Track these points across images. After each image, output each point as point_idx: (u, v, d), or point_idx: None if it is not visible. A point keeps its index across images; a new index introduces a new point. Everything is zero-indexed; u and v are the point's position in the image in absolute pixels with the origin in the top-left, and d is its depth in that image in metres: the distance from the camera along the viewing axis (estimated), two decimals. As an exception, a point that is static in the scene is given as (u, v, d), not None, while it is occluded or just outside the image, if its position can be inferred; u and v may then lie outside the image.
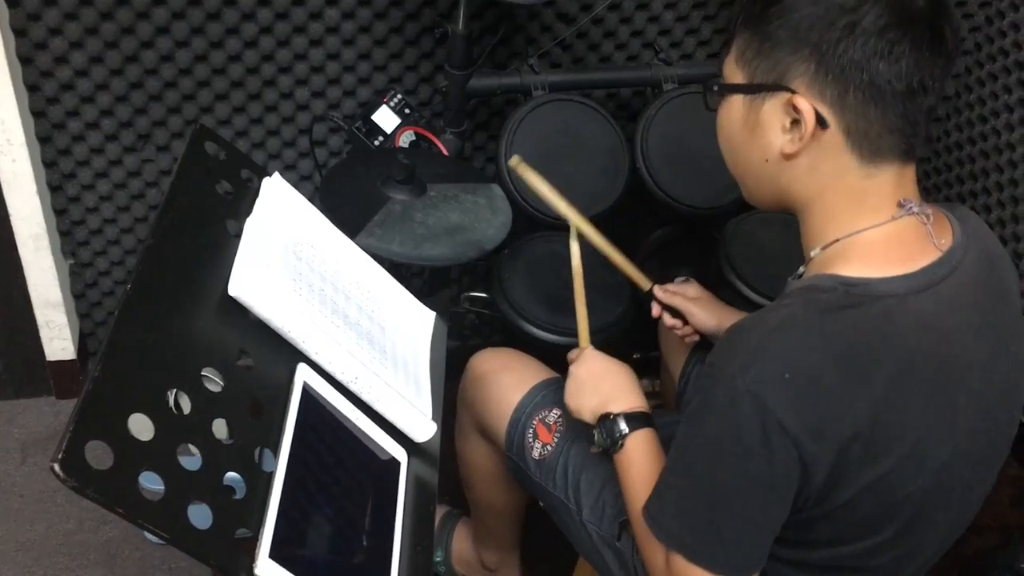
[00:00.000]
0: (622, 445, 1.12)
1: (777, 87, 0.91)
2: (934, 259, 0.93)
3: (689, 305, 1.36)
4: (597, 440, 1.16)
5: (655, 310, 1.40)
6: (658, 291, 1.39)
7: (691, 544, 0.94)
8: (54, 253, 1.76)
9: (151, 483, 0.78)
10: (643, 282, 1.41)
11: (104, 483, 0.74)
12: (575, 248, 1.37)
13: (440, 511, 1.79)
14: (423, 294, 1.28)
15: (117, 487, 0.75)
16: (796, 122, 0.91)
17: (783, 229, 1.71)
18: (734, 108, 0.97)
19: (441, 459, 1.51)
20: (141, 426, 0.80)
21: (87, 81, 1.62)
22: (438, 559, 1.75)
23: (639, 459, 1.11)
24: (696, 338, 1.42)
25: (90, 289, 1.89)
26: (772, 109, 0.92)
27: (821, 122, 0.89)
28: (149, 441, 0.80)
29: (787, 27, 0.89)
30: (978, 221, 1.03)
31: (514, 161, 1.37)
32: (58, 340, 1.88)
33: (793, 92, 0.90)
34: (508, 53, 1.79)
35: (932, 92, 0.88)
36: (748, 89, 0.94)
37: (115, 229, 1.82)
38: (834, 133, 0.90)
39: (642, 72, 1.78)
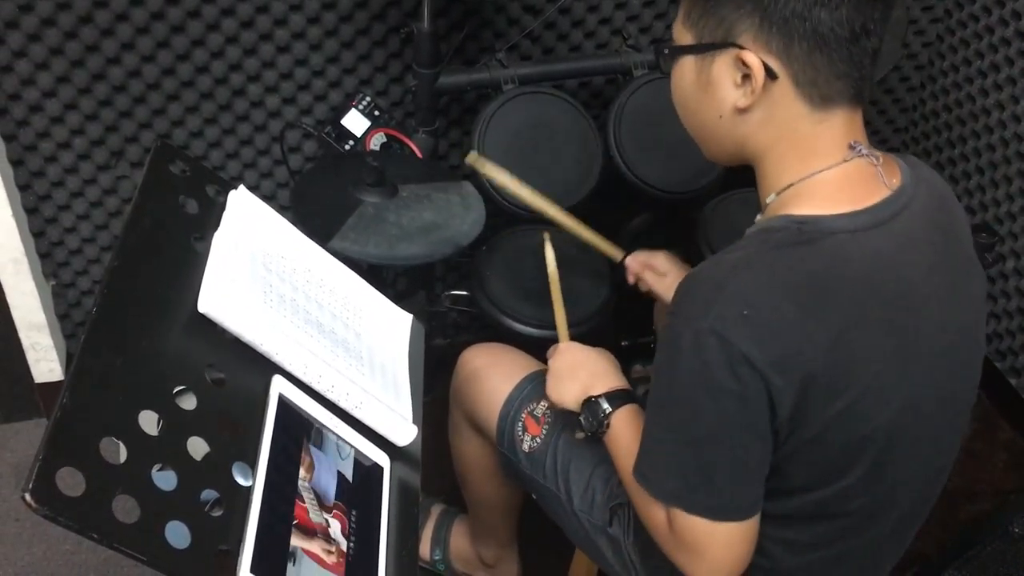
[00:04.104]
0: (608, 424, 1.14)
1: (724, 44, 0.92)
2: (884, 197, 0.94)
3: (656, 284, 1.38)
4: (584, 425, 1.17)
5: (630, 277, 1.42)
6: (629, 261, 1.42)
7: (686, 496, 0.95)
8: (35, 276, 1.76)
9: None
10: (615, 253, 1.44)
11: (77, 509, 0.74)
12: (550, 255, 1.39)
13: (437, 510, 1.79)
14: (406, 295, 1.29)
15: (90, 512, 0.75)
16: (747, 76, 0.92)
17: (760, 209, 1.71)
18: (686, 69, 0.99)
19: (437, 457, 1.52)
20: (114, 449, 0.80)
21: (55, 101, 1.62)
22: (437, 558, 1.76)
23: (627, 434, 1.12)
24: None
25: (74, 309, 1.89)
26: (722, 66, 0.94)
27: (770, 74, 0.91)
28: (122, 464, 0.80)
29: None
30: (926, 166, 1.05)
31: (471, 157, 1.41)
32: (45, 362, 1.88)
33: (740, 47, 0.91)
34: (477, 48, 1.79)
35: (875, 34, 0.90)
36: (697, 49, 0.96)
37: (95, 248, 1.82)
38: (784, 83, 0.91)
39: (611, 59, 1.77)
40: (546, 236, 1.40)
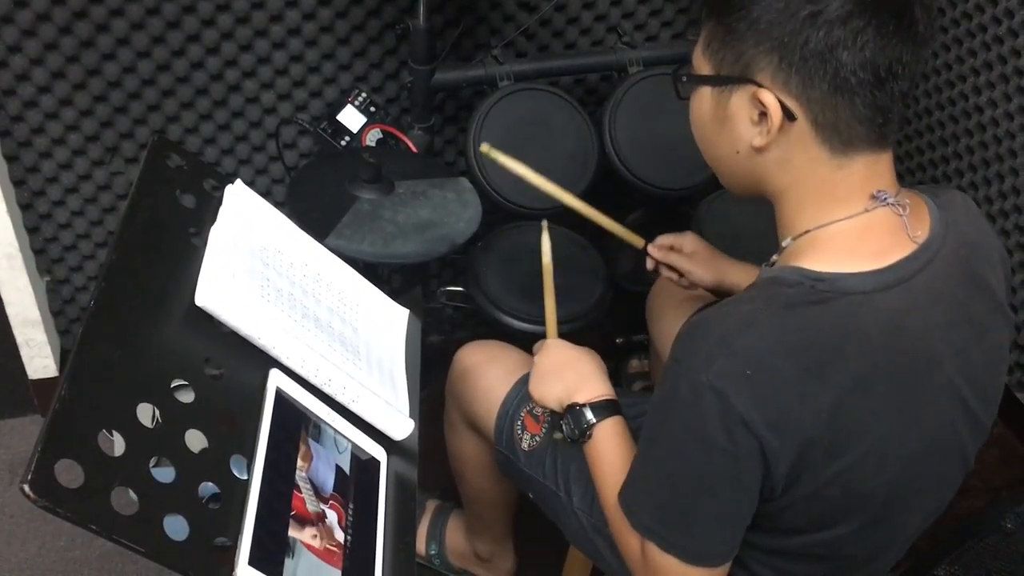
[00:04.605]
0: (590, 435, 1.12)
1: (742, 79, 0.89)
2: (907, 253, 0.91)
3: (685, 263, 1.35)
4: (565, 431, 1.16)
5: (650, 263, 1.39)
6: (652, 249, 1.38)
7: (664, 534, 0.94)
8: (29, 272, 1.75)
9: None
10: (636, 240, 1.40)
11: (76, 501, 0.74)
12: (546, 244, 1.37)
13: (432, 505, 1.79)
14: (402, 291, 1.29)
15: (89, 505, 0.75)
16: (764, 115, 0.89)
17: (756, 206, 1.71)
18: (703, 99, 0.95)
19: (431, 453, 1.52)
20: (112, 442, 0.81)
21: (50, 97, 1.61)
22: (433, 552, 1.76)
23: (608, 448, 1.11)
24: (696, 291, 1.41)
25: (68, 305, 1.89)
26: (739, 102, 0.90)
27: (788, 115, 0.87)
28: (120, 457, 0.81)
29: (748, 19, 0.86)
30: (964, 204, 1.01)
31: (484, 148, 1.36)
32: (39, 358, 1.87)
33: (758, 85, 0.87)
34: (472, 45, 1.79)
35: (903, 77, 0.85)
36: (715, 81, 0.92)
37: (89, 244, 1.82)
38: (802, 125, 0.88)
39: (606, 57, 1.77)
40: (544, 225, 1.38)
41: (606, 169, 1.71)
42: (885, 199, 0.90)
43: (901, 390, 0.90)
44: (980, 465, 1.93)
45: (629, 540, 1.00)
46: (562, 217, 1.71)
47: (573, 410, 1.15)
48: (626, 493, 0.99)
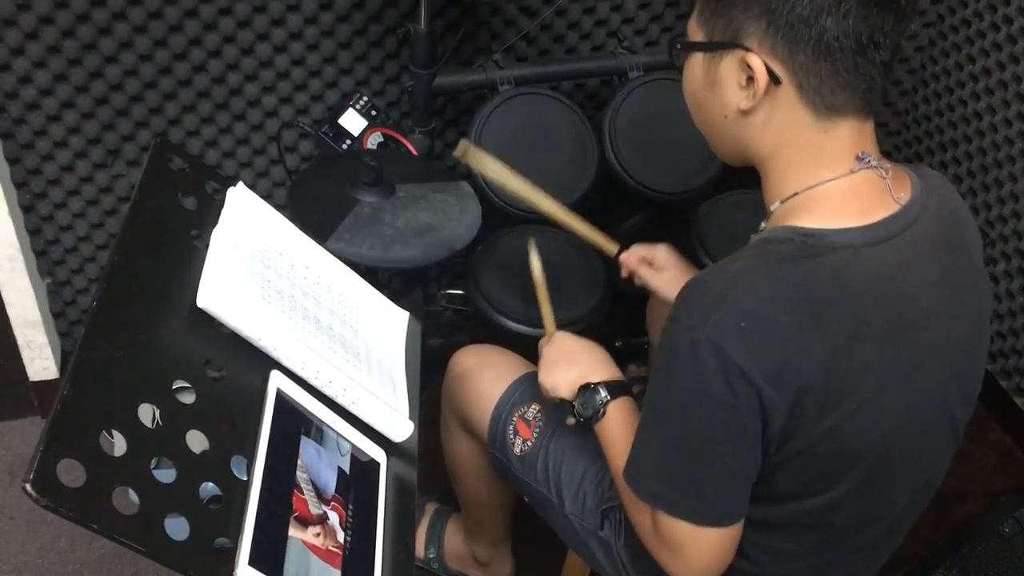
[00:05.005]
0: (604, 413, 1.14)
1: (732, 45, 0.92)
2: (892, 212, 0.94)
3: (654, 279, 1.36)
4: (577, 410, 1.17)
5: (624, 271, 1.41)
6: (625, 257, 1.39)
7: (672, 499, 0.96)
8: (30, 273, 1.76)
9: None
10: (609, 247, 1.41)
11: (78, 501, 0.75)
12: (535, 261, 1.39)
13: (431, 508, 1.80)
14: (402, 294, 1.29)
15: (91, 504, 0.76)
16: (751, 79, 0.92)
17: (754, 210, 1.72)
18: (695, 65, 0.99)
19: (430, 455, 1.53)
20: (112, 443, 0.81)
21: (53, 99, 1.62)
22: (431, 556, 1.76)
23: (621, 425, 1.12)
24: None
25: (69, 307, 1.89)
26: (728, 67, 0.94)
27: (774, 79, 0.90)
28: (122, 456, 0.81)
29: None
30: (940, 178, 1.04)
31: (462, 146, 1.37)
32: (40, 360, 1.88)
33: (747, 49, 0.91)
34: (473, 49, 1.80)
35: (885, 47, 0.89)
36: (706, 47, 0.96)
37: (90, 246, 1.82)
38: (787, 89, 0.91)
39: (606, 61, 1.78)
40: (531, 243, 1.39)
41: (606, 173, 1.72)
42: (868, 161, 0.93)
43: (892, 345, 0.92)
44: (978, 470, 1.94)
45: (642, 518, 1.02)
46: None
47: (587, 390, 1.17)
48: (631, 465, 1.01)
